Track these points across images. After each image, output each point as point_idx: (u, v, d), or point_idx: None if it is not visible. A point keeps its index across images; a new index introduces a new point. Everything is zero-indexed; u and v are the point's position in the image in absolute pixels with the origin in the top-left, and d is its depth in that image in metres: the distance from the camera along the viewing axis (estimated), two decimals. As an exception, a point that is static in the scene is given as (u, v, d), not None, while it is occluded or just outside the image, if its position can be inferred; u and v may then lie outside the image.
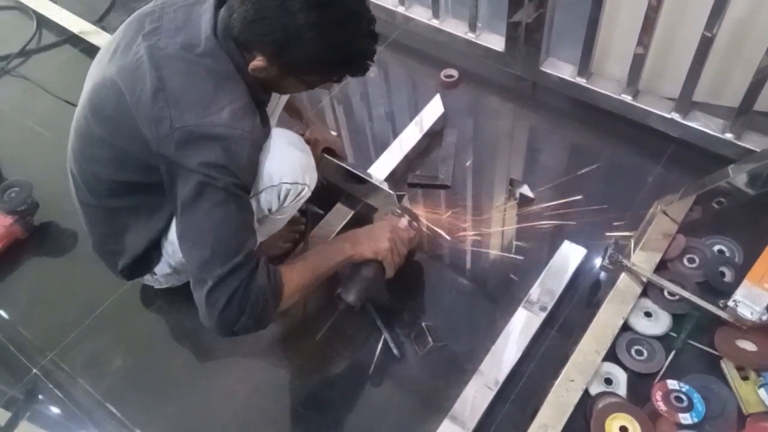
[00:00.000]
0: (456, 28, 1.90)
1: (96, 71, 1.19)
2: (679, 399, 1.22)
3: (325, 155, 1.55)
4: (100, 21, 2.34)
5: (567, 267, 1.43)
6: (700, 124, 1.56)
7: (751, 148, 1.49)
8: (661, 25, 1.49)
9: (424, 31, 1.97)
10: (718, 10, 1.34)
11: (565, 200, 1.59)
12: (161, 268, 1.34)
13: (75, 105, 1.25)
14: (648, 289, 1.37)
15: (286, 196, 1.21)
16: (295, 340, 1.43)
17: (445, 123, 1.81)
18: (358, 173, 1.50)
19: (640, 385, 1.26)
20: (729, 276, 1.38)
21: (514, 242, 1.54)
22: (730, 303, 1.24)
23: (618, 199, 1.56)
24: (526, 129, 1.80)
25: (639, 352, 1.30)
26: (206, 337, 1.45)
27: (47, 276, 1.65)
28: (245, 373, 1.40)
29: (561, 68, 1.76)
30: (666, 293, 1.36)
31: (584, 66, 1.68)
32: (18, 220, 1.65)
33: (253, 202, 1.18)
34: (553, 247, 1.48)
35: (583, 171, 1.65)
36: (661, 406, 1.21)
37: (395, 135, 1.78)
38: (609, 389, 1.26)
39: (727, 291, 1.28)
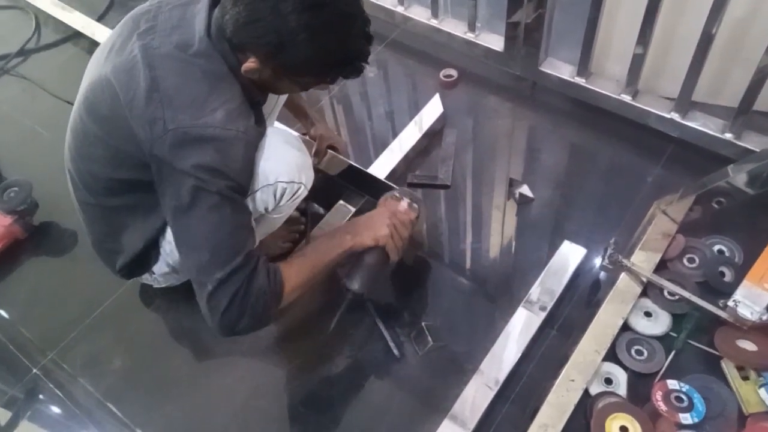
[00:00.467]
0: (455, 27, 1.90)
1: (92, 69, 1.19)
2: (679, 399, 1.22)
3: (331, 151, 1.55)
4: (100, 20, 2.34)
5: (567, 267, 1.43)
6: (699, 124, 1.56)
7: (751, 148, 1.49)
8: (661, 24, 1.49)
9: (424, 30, 1.97)
10: (718, 9, 1.34)
11: (565, 200, 1.59)
12: (159, 267, 1.34)
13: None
14: (648, 289, 1.37)
15: (282, 195, 1.21)
16: (295, 340, 1.43)
17: (444, 123, 1.81)
18: (363, 169, 1.50)
19: (640, 385, 1.26)
20: (729, 276, 1.38)
21: (514, 242, 1.54)
22: (730, 303, 1.24)
23: (618, 199, 1.56)
24: (525, 129, 1.80)
25: (639, 352, 1.30)
26: (206, 336, 1.45)
27: (47, 276, 1.65)
28: (245, 373, 1.40)
29: (560, 68, 1.76)
30: (666, 293, 1.36)
31: (583, 66, 1.68)
32: (17, 220, 1.65)
33: (249, 202, 1.17)
34: (553, 247, 1.48)
35: (583, 171, 1.65)
36: (662, 406, 1.21)
37: (395, 135, 1.78)
38: (609, 389, 1.26)
39: (727, 291, 1.28)
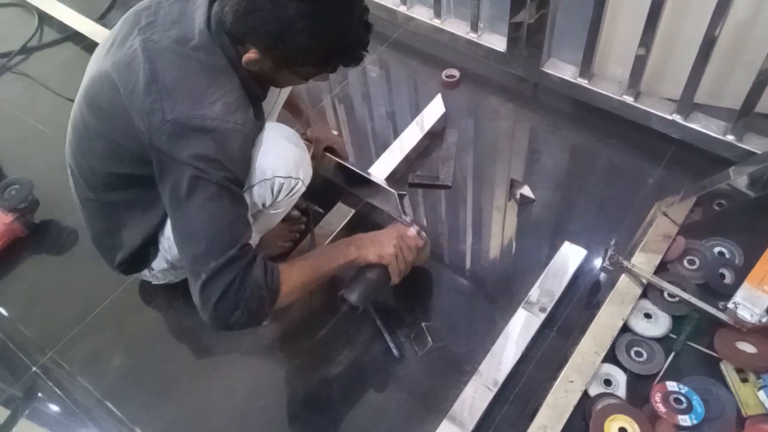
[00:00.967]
0: (458, 28, 1.90)
1: (93, 66, 1.20)
2: (678, 401, 1.22)
3: (327, 154, 1.55)
4: (102, 18, 2.34)
5: (567, 268, 1.43)
6: (701, 125, 1.56)
7: (752, 150, 1.49)
8: (663, 26, 1.48)
9: (426, 30, 1.97)
10: (721, 11, 1.34)
11: (566, 201, 1.59)
12: (158, 263, 1.34)
13: (75, 102, 1.25)
14: (648, 291, 1.37)
15: (279, 191, 1.21)
16: (295, 340, 1.43)
17: (446, 123, 1.81)
18: (359, 172, 1.50)
19: (640, 386, 1.26)
20: (729, 278, 1.38)
21: (514, 243, 1.54)
22: (730, 305, 1.24)
23: (618, 200, 1.56)
24: (527, 130, 1.80)
25: (638, 354, 1.30)
26: (206, 336, 1.45)
27: (47, 274, 1.65)
28: (245, 373, 1.40)
29: (562, 69, 1.76)
30: (666, 295, 1.36)
31: (586, 67, 1.68)
32: (18, 218, 1.65)
33: (246, 196, 1.17)
34: (553, 248, 1.48)
35: (584, 172, 1.65)
36: (661, 407, 1.21)
37: (396, 135, 1.78)
38: (608, 390, 1.26)
39: (727, 293, 1.28)
